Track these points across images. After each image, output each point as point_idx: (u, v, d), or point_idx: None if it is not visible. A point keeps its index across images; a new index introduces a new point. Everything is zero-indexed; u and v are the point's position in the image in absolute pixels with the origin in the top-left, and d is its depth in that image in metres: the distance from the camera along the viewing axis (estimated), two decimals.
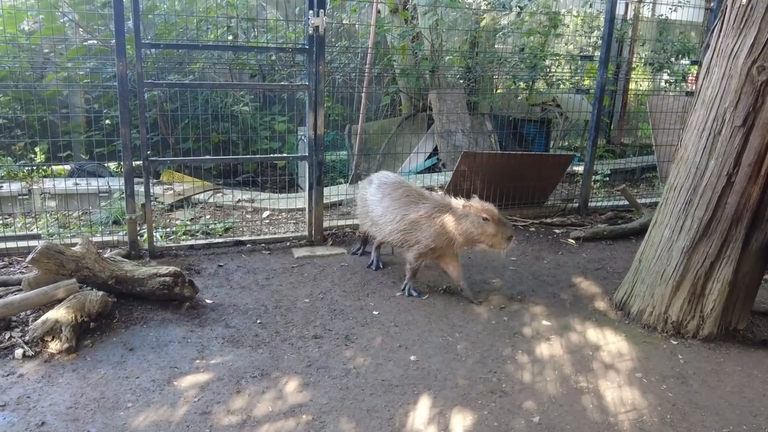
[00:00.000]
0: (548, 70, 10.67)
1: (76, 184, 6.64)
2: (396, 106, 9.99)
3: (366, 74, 7.83)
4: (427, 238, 4.51)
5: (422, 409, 3.23)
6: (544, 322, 4.35)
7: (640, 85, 12.92)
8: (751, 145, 3.87)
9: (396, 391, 3.39)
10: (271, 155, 7.71)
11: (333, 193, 6.85)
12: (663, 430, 3.16)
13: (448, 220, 4.46)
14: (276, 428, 3.02)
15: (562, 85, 10.93)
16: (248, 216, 6.54)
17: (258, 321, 4.16)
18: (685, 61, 11.44)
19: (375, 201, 4.83)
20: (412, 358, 3.77)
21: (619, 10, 11.27)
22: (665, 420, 3.24)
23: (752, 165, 3.88)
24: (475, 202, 4.45)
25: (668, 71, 11.70)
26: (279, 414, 3.14)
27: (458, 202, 4.51)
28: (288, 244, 5.68)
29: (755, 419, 3.30)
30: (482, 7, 10.68)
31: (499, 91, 11.22)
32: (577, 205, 7.02)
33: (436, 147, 9.15)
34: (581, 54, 9.81)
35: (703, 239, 4.07)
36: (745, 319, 4.39)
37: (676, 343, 4.14)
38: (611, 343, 4.08)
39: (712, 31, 4.19)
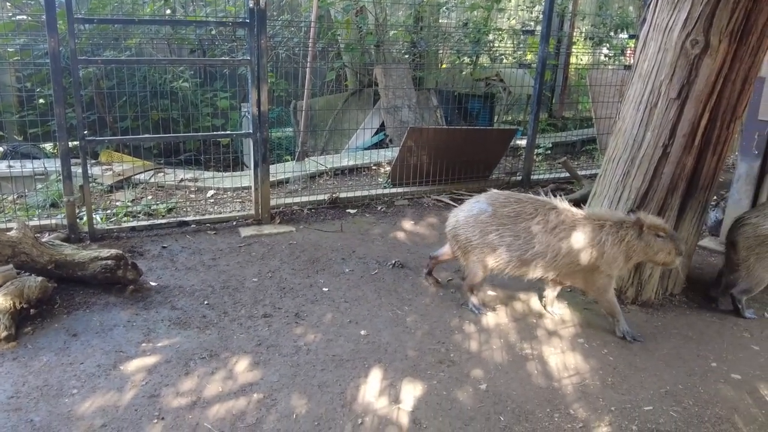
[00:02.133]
0: (491, 44, 10.74)
1: (10, 166, 6.36)
2: (341, 82, 9.91)
3: (310, 49, 7.72)
4: (606, 265, 3.79)
5: (373, 382, 3.27)
6: (490, 293, 4.44)
7: (581, 60, 13.15)
8: (686, 117, 4.01)
9: (347, 366, 3.42)
10: (214, 133, 7.55)
11: (279, 170, 6.77)
12: (605, 392, 3.29)
13: (622, 240, 3.77)
14: (227, 408, 3.01)
15: (505, 60, 11.04)
16: (192, 196, 6.42)
17: (205, 302, 4.11)
18: (623, 36, 11.70)
19: (521, 234, 3.84)
20: (363, 332, 3.80)
21: None
22: (606, 383, 3.38)
23: (687, 136, 4.03)
24: (645, 217, 3.81)
25: (607, 45, 11.95)
26: (230, 393, 3.13)
27: (627, 218, 3.85)
28: (234, 223, 5.61)
29: (690, 378, 3.47)
30: None
31: (444, 66, 11.25)
32: (520, 178, 7.15)
33: (383, 123, 9.13)
34: (523, 29, 9.90)
35: (640, 209, 4.21)
36: (680, 285, 4.59)
37: None
38: (554, 310, 4.19)
39: (649, 6, 4.29)
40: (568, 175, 7.10)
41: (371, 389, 3.21)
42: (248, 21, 5.20)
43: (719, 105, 4.01)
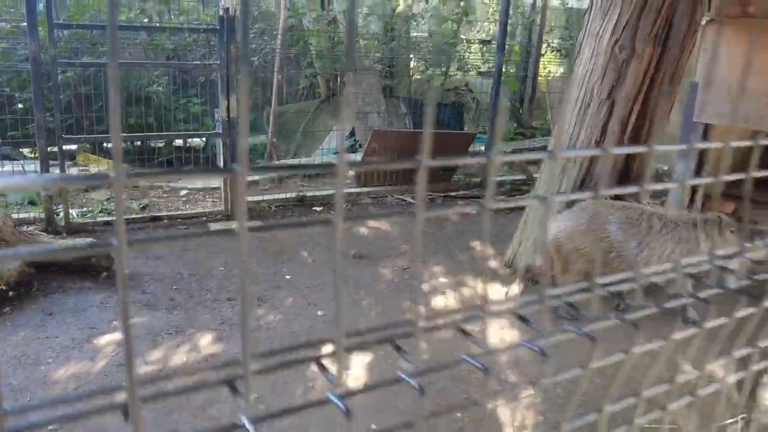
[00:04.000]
0: (460, 56, 11.17)
1: None
2: (314, 89, 10.26)
3: (278, 56, 8.06)
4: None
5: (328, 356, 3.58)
6: (442, 279, 4.78)
7: (549, 71, 13.63)
8: (615, 116, 4.41)
9: (303, 341, 3.72)
10: (185, 132, 7.83)
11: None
12: (536, 362, 3.63)
13: (709, 238, 3.82)
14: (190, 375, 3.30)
15: (472, 71, 11.47)
16: (165, 195, 6.70)
17: (174, 287, 4.40)
18: None
19: (631, 240, 3.92)
20: (320, 313, 4.11)
21: None
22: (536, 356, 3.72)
23: (616, 133, 4.43)
24: (722, 214, 3.92)
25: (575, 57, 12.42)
26: (193, 363, 3.42)
27: (708, 216, 3.92)
28: (205, 219, 5.90)
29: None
30: None
31: (417, 77, 11.65)
32: (479, 179, 7.52)
33: (353, 128, 9.48)
34: (482, 39, 10.33)
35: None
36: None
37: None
38: (498, 294, 4.55)
39: (584, 15, 4.70)
40: (524, 176, 7.48)
41: (324, 360, 3.52)
42: (218, 28, 5.54)
43: (647, 105, 4.42)
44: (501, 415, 3.21)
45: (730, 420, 2.64)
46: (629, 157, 4.54)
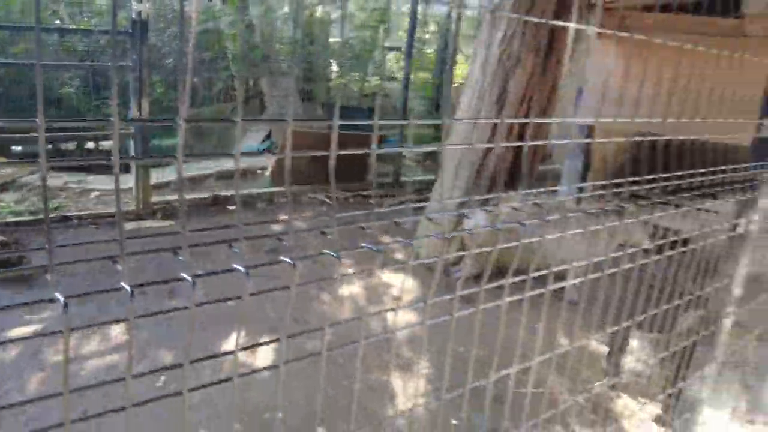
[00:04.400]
0: (378, 62, 11.54)
1: None
2: (230, 92, 10.38)
3: (188, 57, 8.17)
4: None
5: (235, 339, 3.81)
6: (350, 270, 5.07)
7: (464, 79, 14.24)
8: (504, 117, 4.84)
9: (213, 328, 3.93)
10: (96, 132, 7.82)
11: (165, 172, 7.16)
12: (430, 339, 3.98)
13: None
14: (102, 361, 3.47)
15: (391, 77, 11.86)
16: (76, 196, 6.70)
17: (86, 283, 4.50)
18: None
19: None
20: (230, 303, 4.31)
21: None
22: (435, 332, 4.08)
23: (504, 134, 4.85)
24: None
25: None
26: (104, 351, 3.58)
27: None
28: (114, 218, 5.95)
29: (505, 329, 4.22)
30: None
31: (337, 82, 11.95)
32: (390, 180, 7.89)
33: (270, 131, 9.67)
34: (391, 46, 10.75)
35: (470, 193, 5.01)
36: None
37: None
38: (401, 282, 4.89)
39: (479, 27, 5.13)
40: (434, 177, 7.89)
41: (232, 343, 3.75)
42: (131, 31, 5.65)
43: (531, 108, 4.87)
44: (395, 385, 3.54)
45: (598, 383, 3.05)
46: (517, 156, 4.98)
